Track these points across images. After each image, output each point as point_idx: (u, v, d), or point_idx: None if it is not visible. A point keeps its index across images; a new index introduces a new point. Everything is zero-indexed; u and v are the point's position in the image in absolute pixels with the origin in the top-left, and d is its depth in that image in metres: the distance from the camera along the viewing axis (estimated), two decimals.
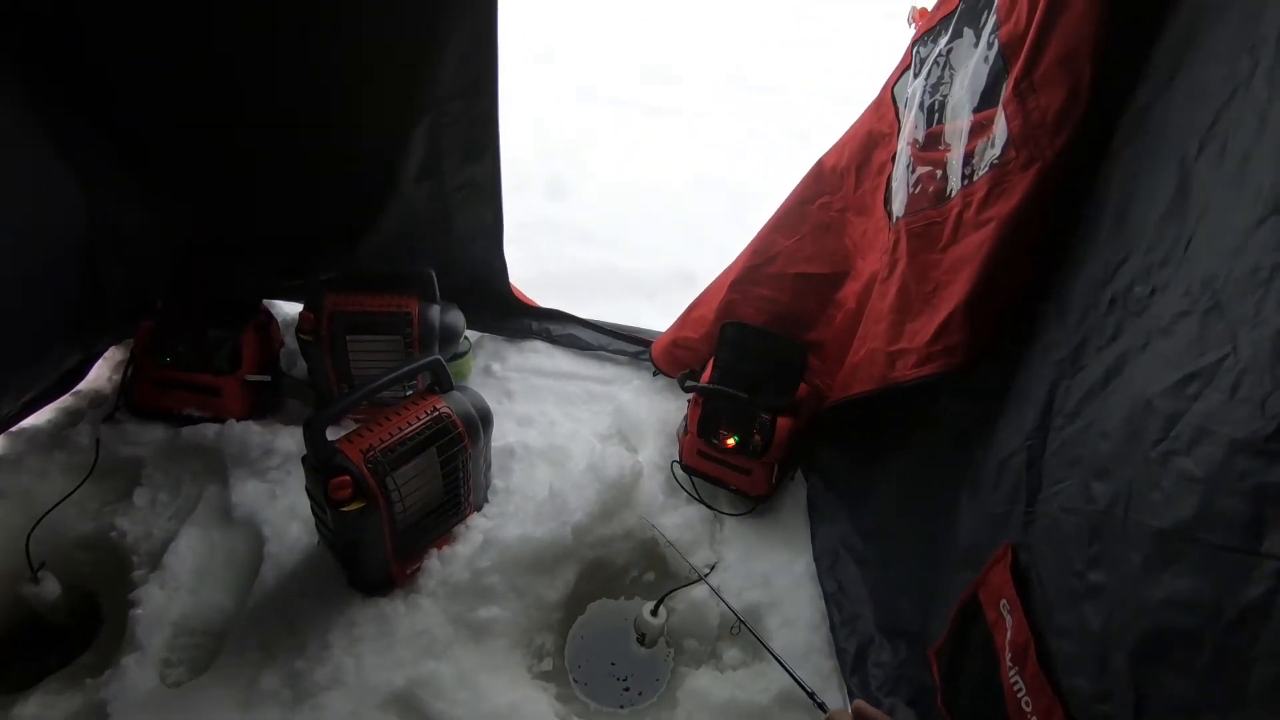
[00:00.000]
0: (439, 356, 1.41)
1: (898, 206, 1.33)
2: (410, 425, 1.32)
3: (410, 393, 1.66)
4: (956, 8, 1.22)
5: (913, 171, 1.28)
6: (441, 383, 1.42)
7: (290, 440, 1.65)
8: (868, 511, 1.50)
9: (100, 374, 1.81)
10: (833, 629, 1.38)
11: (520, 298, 2.06)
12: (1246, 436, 0.57)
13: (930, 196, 1.23)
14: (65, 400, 1.73)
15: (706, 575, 1.46)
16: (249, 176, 1.70)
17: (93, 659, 1.38)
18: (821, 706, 0.88)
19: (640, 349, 1.98)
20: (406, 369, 1.35)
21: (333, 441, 1.27)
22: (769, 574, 1.49)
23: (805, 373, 1.60)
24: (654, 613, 1.40)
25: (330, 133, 1.60)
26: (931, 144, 1.24)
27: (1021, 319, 1.08)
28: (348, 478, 1.22)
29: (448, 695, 1.26)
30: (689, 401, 1.67)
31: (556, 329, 2.05)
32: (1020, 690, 0.83)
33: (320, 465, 1.24)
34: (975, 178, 1.12)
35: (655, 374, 1.93)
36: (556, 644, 1.47)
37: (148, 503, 1.55)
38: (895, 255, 1.32)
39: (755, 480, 1.60)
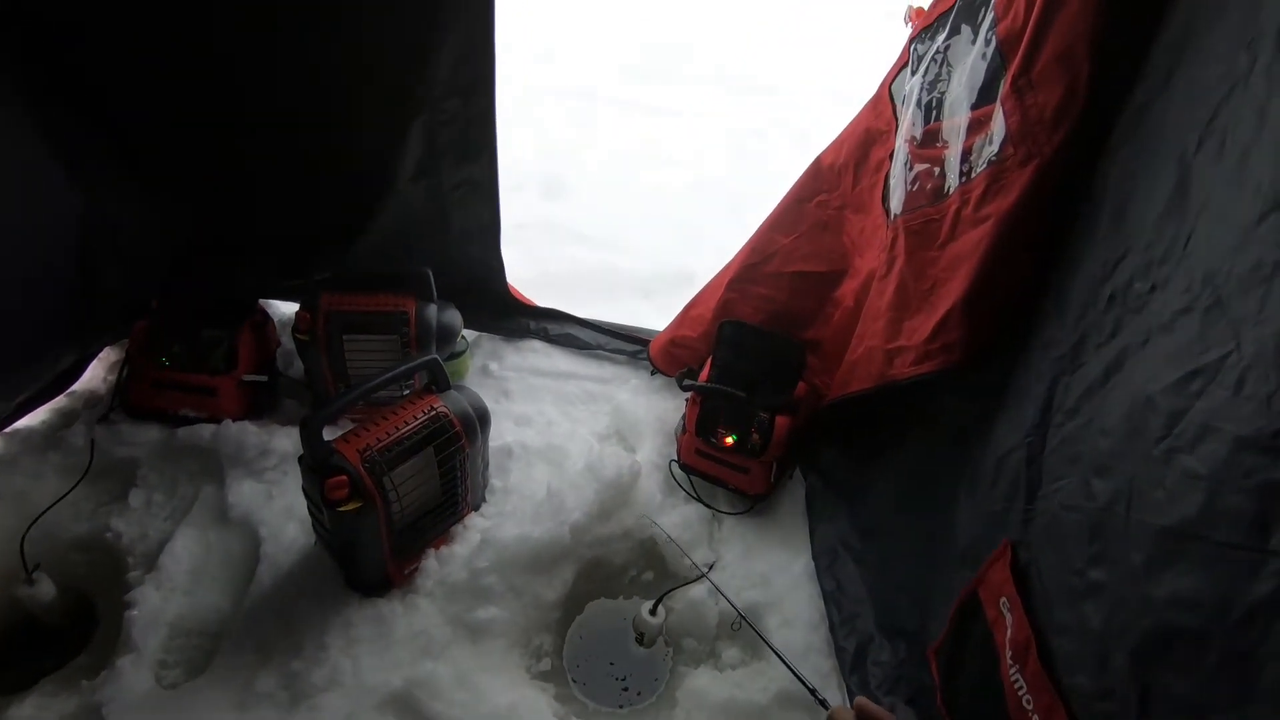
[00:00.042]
0: (436, 356, 1.41)
1: (895, 204, 1.33)
2: (407, 425, 1.32)
3: (407, 392, 1.66)
4: (954, 4, 1.22)
5: (910, 169, 1.28)
6: (439, 382, 1.42)
7: (287, 440, 1.64)
8: (866, 510, 1.50)
9: (95, 374, 1.80)
10: (832, 628, 1.38)
11: (518, 297, 2.06)
12: (1252, 433, 0.57)
13: (928, 194, 1.23)
14: (60, 401, 1.72)
15: (708, 572, 1.46)
16: (245, 175, 1.69)
17: (88, 661, 1.38)
18: (823, 703, 0.88)
19: (638, 348, 1.98)
20: (403, 368, 1.34)
21: (329, 441, 1.26)
22: (768, 573, 1.49)
23: (803, 371, 1.60)
24: (653, 612, 1.39)
25: (326, 131, 1.60)
26: (929, 141, 1.24)
27: (1020, 316, 1.08)
28: (344, 477, 1.22)
29: (446, 696, 1.26)
30: (687, 400, 1.66)
31: (554, 328, 2.04)
32: (1021, 688, 0.82)
33: (317, 465, 1.24)
34: (973, 175, 1.12)
35: (653, 373, 1.92)
36: (555, 644, 1.47)
37: (143, 504, 1.54)
38: (893, 253, 1.32)
39: (754, 479, 1.60)
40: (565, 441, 1.71)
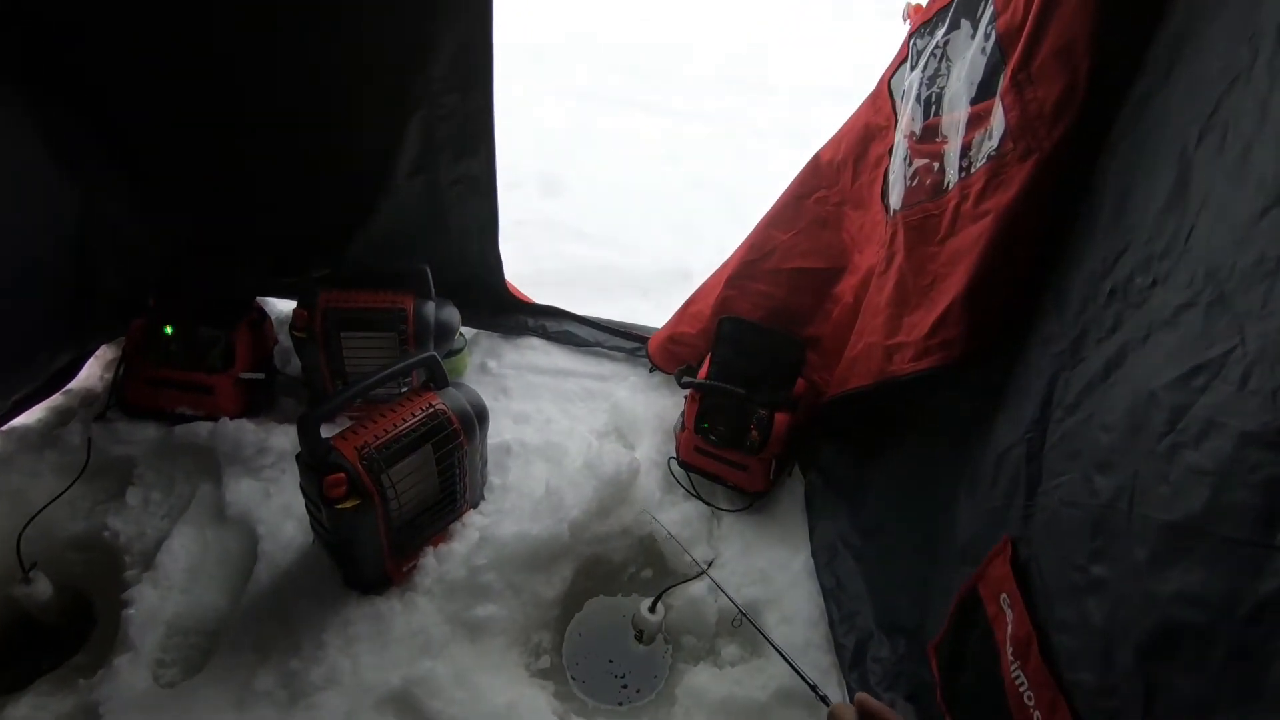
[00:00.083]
0: (434, 353, 1.40)
1: (895, 200, 1.33)
2: (405, 422, 1.31)
3: (405, 390, 1.65)
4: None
5: (910, 164, 1.27)
6: (437, 379, 1.41)
7: (284, 438, 1.64)
8: (866, 507, 1.50)
9: (92, 373, 1.79)
10: (831, 625, 1.38)
11: (516, 294, 2.05)
12: (1258, 429, 0.56)
13: (927, 189, 1.23)
14: (56, 399, 1.71)
15: (708, 568, 1.45)
16: (242, 173, 1.69)
17: (85, 660, 1.37)
18: (824, 699, 0.88)
19: (637, 345, 1.98)
20: (402, 365, 1.34)
21: (327, 439, 1.26)
22: (767, 570, 1.48)
23: (802, 368, 1.60)
24: (652, 610, 1.39)
25: (324, 128, 1.59)
26: (928, 136, 1.23)
27: (1020, 312, 1.08)
28: (342, 475, 1.21)
29: (444, 694, 1.25)
30: (686, 397, 1.66)
31: (553, 326, 2.04)
32: (1023, 685, 0.82)
33: (315, 463, 1.23)
34: (973, 170, 1.12)
35: (652, 370, 1.92)
36: (554, 642, 1.46)
37: (140, 502, 1.53)
38: (892, 249, 1.31)
39: (753, 476, 1.60)
40: (564, 439, 1.71)
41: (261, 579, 1.40)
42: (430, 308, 1.65)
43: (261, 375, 1.72)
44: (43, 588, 1.36)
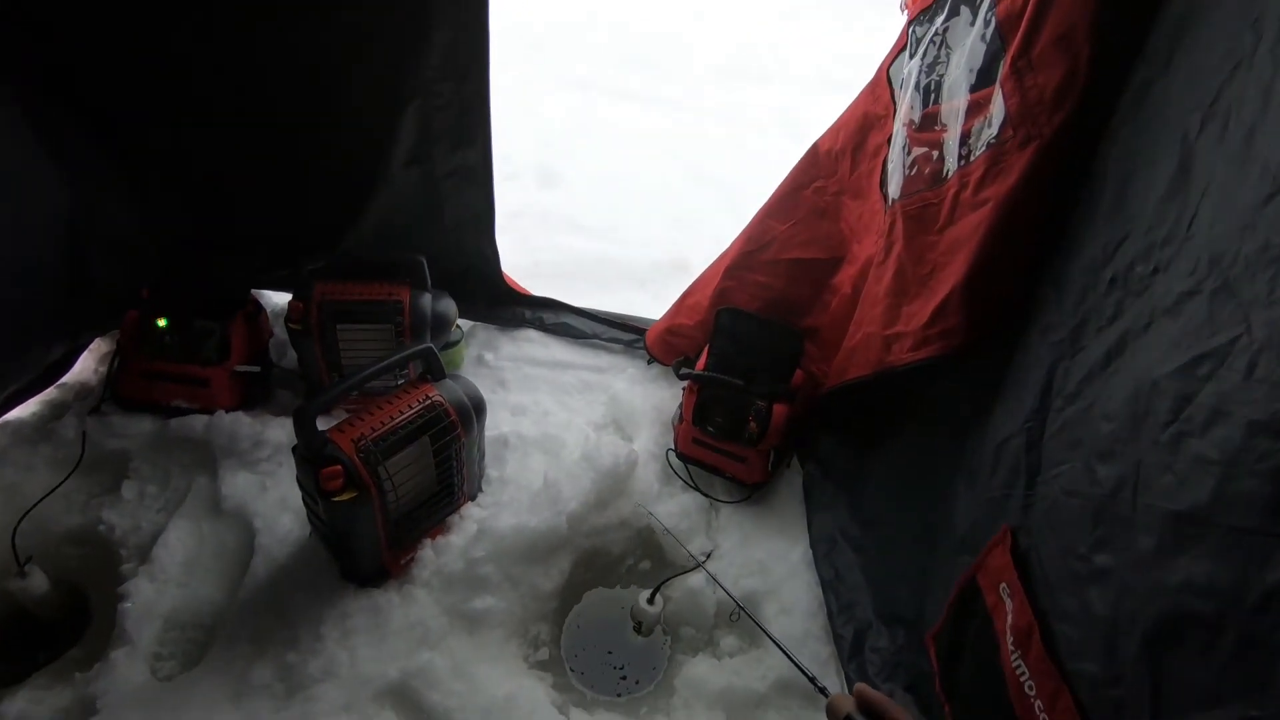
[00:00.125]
0: (431, 345, 1.39)
1: (893, 189, 1.32)
2: (402, 414, 1.31)
3: (402, 382, 1.64)
4: None
5: (909, 153, 1.27)
6: (433, 371, 1.41)
7: (280, 431, 1.63)
8: (864, 498, 1.50)
9: (86, 366, 1.78)
10: (830, 616, 1.38)
11: (513, 286, 2.04)
12: (1266, 418, 0.56)
13: (926, 178, 1.22)
14: (50, 393, 1.70)
15: (704, 562, 1.45)
16: (235, 165, 1.67)
17: (81, 654, 1.37)
18: (823, 691, 0.87)
19: (634, 337, 1.97)
20: (398, 357, 1.33)
21: (323, 431, 1.25)
22: (765, 561, 1.48)
23: (801, 359, 1.59)
24: (650, 601, 1.39)
25: (317, 119, 1.58)
26: (928, 125, 1.22)
27: (1019, 301, 1.07)
28: (339, 467, 1.21)
29: (443, 686, 1.25)
30: (684, 389, 1.65)
31: (550, 318, 2.03)
32: (1023, 674, 0.82)
33: (311, 455, 1.23)
34: (972, 158, 1.11)
35: (650, 362, 1.91)
36: (552, 634, 1.46)
37: (136, 495, 1.53)
38: (891, 238, 1.31)
39: (751, 468, 1.59)
40: (561, 431, 1.71)
41: (258, 572, 1.39)
42: (427, 299, 1.64)
43: (257, 368, 1.71)
44: (38, 582, 1.36)
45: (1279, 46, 0.69)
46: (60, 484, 1.51)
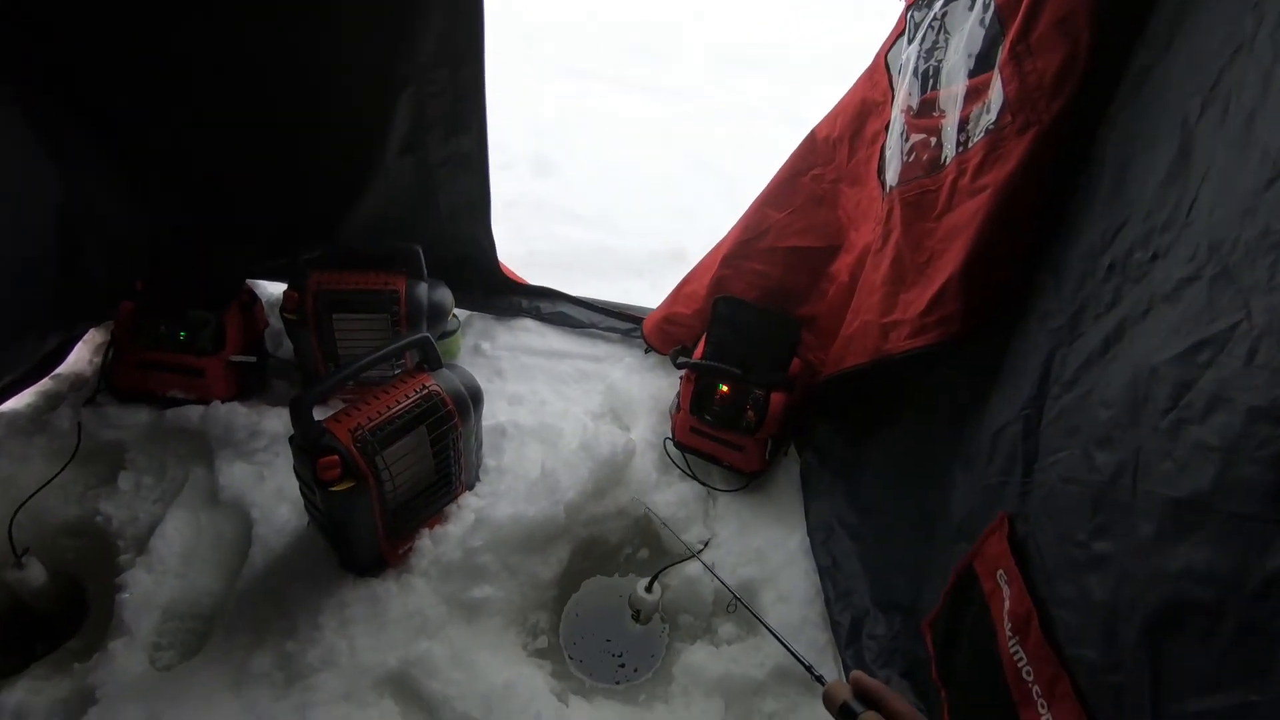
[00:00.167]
0: (427, 334, 1.39)
1: (891, 176, 1.31)
2: (399, 404, 1.30)
3: (398, 372, 1.64)
4: None
5: (907, 139, 1.26)
6: (430, 361, 1.40)
7: (277, 421, 1.62)
8: (862, 486, 1.50)
9: (81, 357, 1.77)
10: (827, 603, 1.38)
11: (510, 275, 2.03)
12: (1267, 404, 0.55)
13: (924, 165, 1.21)
14: (45, 384, 1.69)
15: (700, 553, 1.45)
16: (228, 154, 1.66)
17: (80, 645, 1.37)
18: (820, 679, 0.88)
19: (632, 326, 1.97)
20: (395, 346, 1.32)
21: (320, 421, 1.25)
22: (763, 549, 1.49)
23: (798, 348, 1.59)
24: (648, 589, 1.40)
25: (310, 106, 1.56)
26: (926, 111, 1.22)
27: (1017, 288, 1.07)
28: (336, 457, 1.20)
29: (442, 675, 1.26)
30: (681, 378, 1.65)
31: (547, 307, 2.02)
32: (1021, 660, 0.82)
33: (308, 445, 1.22)
34: (970, 144, 1.10)
35: (647, 351, 1.91)
36: (551, 622, 1.47)
37: (132, 486, 1.52)
38: (889, 225, 1.30)
39: (748, 456, 1.59)
40: (559, 420, 1.70)
41: (256, 562, 1.39)
42: (423, 289, 1.63)
43: (253, 358, 1.71)
44: (36, 573, 1.35)
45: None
46: (56, 475, 1.50)
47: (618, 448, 1.53)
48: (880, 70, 1.44)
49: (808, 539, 1.50)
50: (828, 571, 1.43)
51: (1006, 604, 0.87)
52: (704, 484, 1.61)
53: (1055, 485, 0.83)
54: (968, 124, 1.11)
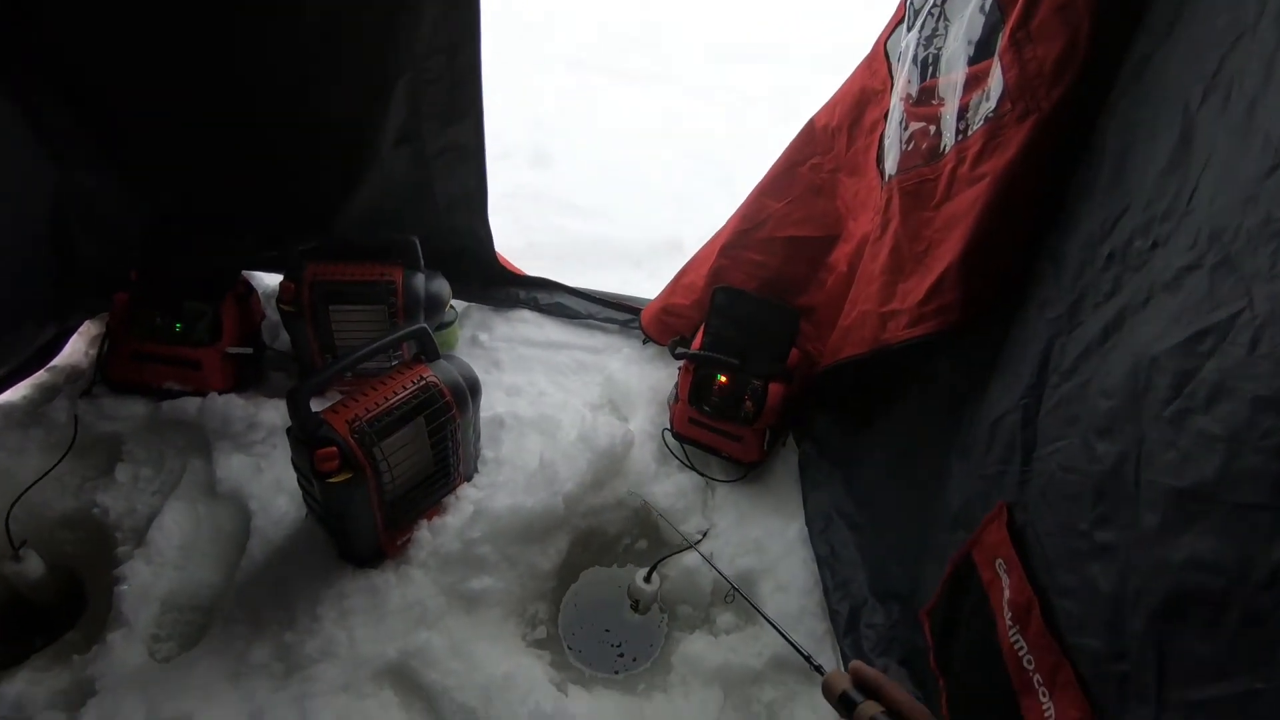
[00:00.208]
0: (424, 325, 1.38)
1: (890, 165, 1.31)
2: (397, 395, 1.30)
3: (396, 363, 1.64)
4: None
5: (906, 128, 1.25)
6: (427, 352, 1.40)
7: (274, 413, 1.62)
8: (860, 476, 1.50)
9: (76, 349, 1.77)
10: (825, 592, 1.39)
11: (507, 266, 2.03)
12: (1270, 393, 0.55)
13: (923, 153, 1.21)
14: (40, 376, 1.69)
15: (698, 544, 1.46)
16: (222, 144, 1.64)
17: (78, 637, 1.37)
18: (818, 669, 0.88)
19: (630, 317, 1.96)
20: (392, 337, 1.32)
21: (317, 412, 1.24)
22: (762, 539, 1.49)
23: (797, 338, 1.59)
24: (647, 580, 1.40)
25: (304, 95, 1.55)
26: (925, 99, 1.21)
27: (1016, 277, 1.07)
28: (334, 449, 1.20)
29: (441, 665, 1.26)
30: (680, 369, 1.65)
31: (544, 298, 2.02)
32: (1022, 649, 0.82)
33: (306, 437, 1.22)
34: (970, 132, 1.09)
35: (645, 342, 1.91)
36: (550, 612, 1.47)
37: (130, 478, 1.52)
38: (887, 215, 1.30)
39: (747, 447, 1.59)
40: (557, 412, 1.70)
41: (255, 554, 1.39)
42: (420, 279, 1.63)
43: (249, 350, 1.70)
44: (33, 565, 1.35)
45: None
46: (53, 468, 1.50)
47: (616, 439, 1.53)
48: (879, 58, 1.43)
49: (806, 529, 1.50)
50: (826, 561, 1.43)
51: (1006, 593, 0.87)
52: (702, 474, 1.62)
53: (1055, 474, 0.83)
54: (967, 112, 1.10)
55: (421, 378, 1.34)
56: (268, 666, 1.25)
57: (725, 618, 1.41)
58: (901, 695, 0.72)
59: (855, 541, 1.43)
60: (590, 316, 1.98)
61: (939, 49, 1.18)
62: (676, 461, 1.64)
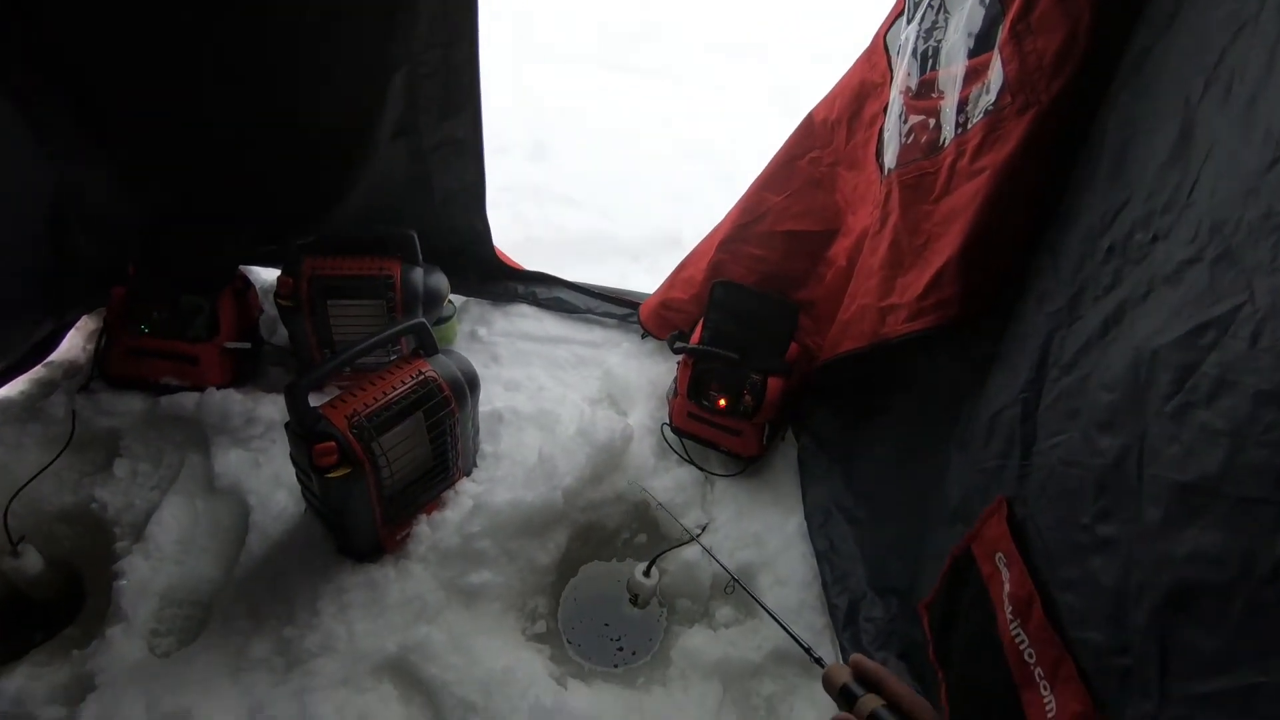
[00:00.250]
0: (423, 319, 1.38)
1: (890, 158, 1.30)
2: (395, 390, 1.30)
3: (394, 358, 1.63)
4: None
5: (905, 121, 1.25)
6: (426, 346, 1.39)
7: (273, 408, 1.62)
8: (859, 470, 1.50)
9: (74, 344, 1.76)
10: (824, 586, 1.39)
11: (505, 261, 2.02)
12: (1273, 387, 0.55)
13: (923, 147, 1.20)
14: (38, 371, 1.68)
15: (698, 536, 1.46)
16: (217, 138, 1.64)
17: (78, 632, 1.37)
18: (819, 661, 0.88)
19: (628, 311, 1.96)
20: (390, 332, 1.32)
21: (316, 407, 1.24)
22: (761, 534, 1.49)
23: (796, 332, 1.59)
24: (646, 574, 1.40)
25: (300, 88, 1.54)
26: (925, 92, 1.20)
27: (1016, 271, 1.06)
28: (333, 444, 1.20)
29: (441, 659, 1.26)
30: (678, 363, 1.65)
31: (543, 292, 2.02)
32: (1023, 642, 0.82)
33: (304, 431, 1.22)
34: (969, 125, 1.09)
35: (644, 336, 1.90)
36: (549, 607, 1.47)
37: (128, 474, 1.52)
38: (887, 208, 1.29)
39: (746, 441, 1.59)
40: (556, 406, 1.70)
41: (254, 549, 1.39)
42: (418, 274, 1.62)
43: (247, 345, 1.70)
44: (32, 560, 1.35)
45: None
46: (51, 463, 1.49)
47: (615, 433, 1.53)
48: (879, 51, 1.42)
49: (805, 523, 1.51)
50: (825, 555, 1.43)
51: (1007, 587, 0.87)
52: (701, 469, 1.62)
53: (1055, 468, 0.83)
54: (967, 105, 1.10)
55: (420, 373, 1.34)
56: (267, 661, 1.25)
57: (724, 611, 1.42)
58: (902, 688, 0.73)
59: (854, 536, 1.43)
60: (589, 311, 1.98)
61: (939, 42, 1.17)
62: (675, 456, 1.64)
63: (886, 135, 1.35)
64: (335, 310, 1.60)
